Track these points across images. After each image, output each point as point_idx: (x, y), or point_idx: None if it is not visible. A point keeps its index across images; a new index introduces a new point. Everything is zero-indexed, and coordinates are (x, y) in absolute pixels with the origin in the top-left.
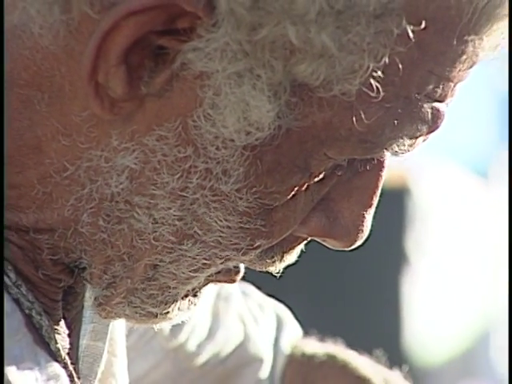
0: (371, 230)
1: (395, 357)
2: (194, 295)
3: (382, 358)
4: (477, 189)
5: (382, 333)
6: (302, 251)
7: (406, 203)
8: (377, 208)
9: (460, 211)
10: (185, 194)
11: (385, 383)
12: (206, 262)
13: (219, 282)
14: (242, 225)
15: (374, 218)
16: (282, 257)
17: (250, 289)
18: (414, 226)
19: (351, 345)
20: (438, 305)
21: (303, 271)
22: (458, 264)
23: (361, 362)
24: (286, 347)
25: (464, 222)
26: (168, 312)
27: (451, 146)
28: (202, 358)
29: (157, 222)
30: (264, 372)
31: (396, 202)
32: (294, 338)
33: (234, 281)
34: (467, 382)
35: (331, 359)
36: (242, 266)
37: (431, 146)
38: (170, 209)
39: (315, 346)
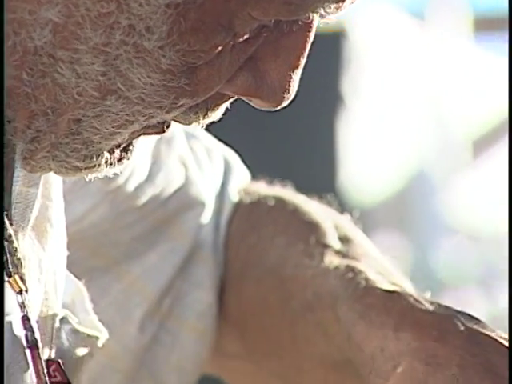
0: (307, 73)
1: (332, 194)
2: (125, 150)
3: (332, 203)
4: (413, 30)
5: (317, 175)
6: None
7: (341, 46)
8: (313, 51)
9: (396, 53)
10: (108, 50)
11: (335, 228)
12: (128, 118)
13: (148, 134)
14: (165, 83)
15: (311, 60)
16: (207, 113)
17: (199, 132)
18: (350, 69)
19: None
20: (373, 147)
21: (246, 117)
22: (393, 106)
23: (311, 207)
24: (234, 192)
25: (400, 64)
26: (94, 166)
27: None
28: (141, 200)
29: (80, 77)
30: (206, 217)
31: (332, 45)
32: (242, 182)
33: (163, 132)
34: (402, 222)
35: (280, 203)
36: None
37: None
38: (93, 64)
39: (264, 191)
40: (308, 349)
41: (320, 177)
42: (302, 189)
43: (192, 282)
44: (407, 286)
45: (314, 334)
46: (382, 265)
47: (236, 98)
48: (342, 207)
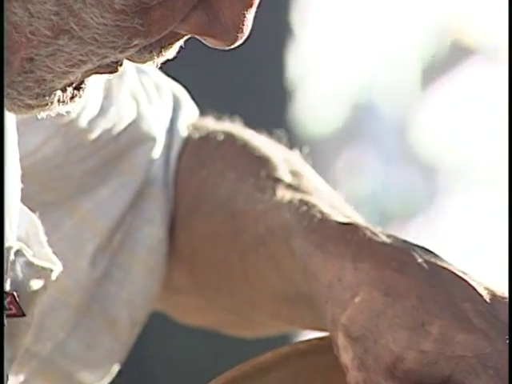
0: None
1: (281, 128)
2: (78, 88)
3: (282, 138)
4: None
5: (268, 106)
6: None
7: None
8: None
9: None
10: None
11: (285, 163)
12: (82, 58)
13: (101, 73)
14: (118, 23)
15: None
16: (161, 52)
17: (148, 67)
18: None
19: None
20: (322, 75)
21: (194, 52)
22: (343, 37)
23: (261, 142)
24: (183, 128)
25: None
26: (46, 104)
27: None
28: (93, 135)
29: (33, 16)
30: (156, 152)
31: None
32: (191, 118)
33: (116, 71)
34: (351, 151)
35: (230, 138)
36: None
37: None
38: (45, 3)
39: (213, 126)
40: (260, 283)
41: (271, 107)
42: (251, 123)
43: (143, 218)
44: (360, 220)
45: (266, 268)
46: (334, 199)
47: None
48: (292, 141)
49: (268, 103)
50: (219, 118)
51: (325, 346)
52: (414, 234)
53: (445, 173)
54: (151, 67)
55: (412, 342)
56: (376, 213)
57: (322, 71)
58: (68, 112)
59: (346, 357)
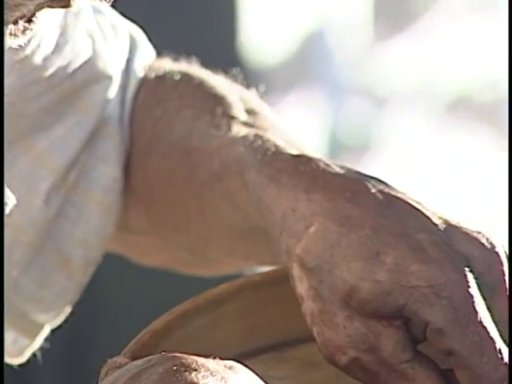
0: None
1: (230, 59)
2: (29, 21)
3: (237, 77)
4: None
5: (216, 35)
6: None
7: None
8: None
9: None
10: None
11: (241, 101)
12: None
13: (53, 7)
14: None
15: None
16: None
17: (105, 7)
18: None
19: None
20: (271, 4)
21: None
22: None
23: (217, 81)
24: (139, 68)
25: None
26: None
27: None
28: (48, 72)
29: None
30: (112, 91)
31: None
32: (148, 59)
33: (69, 5)
34: (302, 84)
35: (186, 77)
36: None
37: None
38: None
39: (169, 66)
40: (215, 220)
41: (219, 36)
42: (206, 62)
43: (98, 157)
44: (313, 153)
45: (221, 204)
46: (289, 134)
47: None
48: (244, 74)
49: (218, 37)
50: (176, 59)
51: (280, 278)
52: (367, 165)
53: (397, 104)
54: (108, 8)
55: (366, 273)
56: (329, 146)
57: (273, 3)
58: (22, 48)
59: (302, 287)
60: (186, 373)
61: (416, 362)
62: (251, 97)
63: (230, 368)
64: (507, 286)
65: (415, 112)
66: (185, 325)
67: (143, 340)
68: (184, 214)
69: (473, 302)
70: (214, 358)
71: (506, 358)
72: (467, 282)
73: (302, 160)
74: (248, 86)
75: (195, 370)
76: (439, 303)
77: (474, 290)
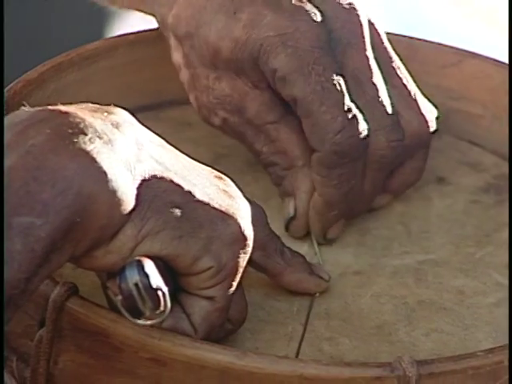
0: None
1: None
2: None
3: None
4: None
5: None
6: None
7: None
8: None
9: None
10: None
11: None
12: None
13: None
14: None
15: None
16: None
17: None
18: None
19: None
20: None
21: None
22: None
23: None
24: None
25: None
26: None
27: None
28: None
29: None
30: None
31: None
32: None
33: None
34: None
35: None
36: None
37: None
38: None
39: None
40: None
41: None
42: None
43: None
44: None
45: None
46: None
47: None
48: None
49: None
50: None
51: (154, 38)
52: None
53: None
54: None
55: (225, 32)
56: None
57: None
58: None
59: (178, 56)
60: (74, 137)
61: (282, 123)
62: None
63: (117, 126)
64: (367, 46)
65: None
66: (58, 77)
67: (16, 88)
68: None
69: (319, 53)
70: (97, 104)
71: (351, 112)
72: (316, 33)
73: None
74: None
75: (82, 133)
76: (285, 51)
77: (321, 42)
